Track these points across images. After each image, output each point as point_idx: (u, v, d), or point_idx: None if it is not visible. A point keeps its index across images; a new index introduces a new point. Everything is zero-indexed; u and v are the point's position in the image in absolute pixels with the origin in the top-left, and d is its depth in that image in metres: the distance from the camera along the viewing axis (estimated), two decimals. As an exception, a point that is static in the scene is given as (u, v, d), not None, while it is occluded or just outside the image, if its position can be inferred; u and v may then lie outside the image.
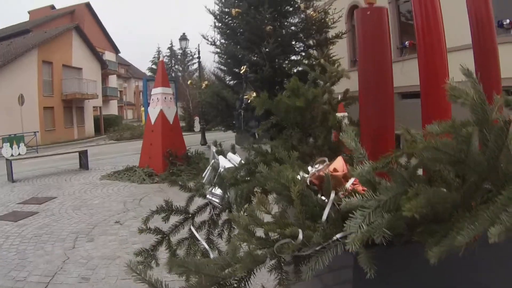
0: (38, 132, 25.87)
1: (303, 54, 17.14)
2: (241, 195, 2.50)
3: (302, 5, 16.15)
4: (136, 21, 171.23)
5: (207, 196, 3.03)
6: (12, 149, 21.53)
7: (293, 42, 16.83)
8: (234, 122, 15.05)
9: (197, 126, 35.17)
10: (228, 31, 17.34)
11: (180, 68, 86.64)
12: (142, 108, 47.53)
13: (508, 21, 12.86)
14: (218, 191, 2.93)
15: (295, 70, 16.11)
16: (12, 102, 27.29)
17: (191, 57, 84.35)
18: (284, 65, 16.56)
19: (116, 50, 58.67)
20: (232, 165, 2.95)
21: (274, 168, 2.08)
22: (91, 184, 11.66)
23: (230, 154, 3.19)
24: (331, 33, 16.97)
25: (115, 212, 8.09)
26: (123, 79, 71.42)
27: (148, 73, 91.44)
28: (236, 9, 15.25)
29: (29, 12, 52.26)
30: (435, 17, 2.44)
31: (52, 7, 52.96)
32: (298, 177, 2.01)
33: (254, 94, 13.25)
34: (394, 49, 17.86)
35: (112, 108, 55.23)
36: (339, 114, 10.15)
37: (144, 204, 8.77)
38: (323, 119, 3.19)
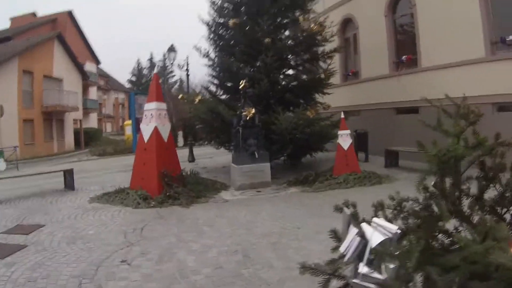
0: (17, 147, 24.81)
1: (300, 68, 16.49)
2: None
3: (301, 18, 15.59)
4: (114, 32, 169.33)
5: (353, 279, 2.28)
6: (-9, 165, 20.58)
7: (290, 56, 16.21)
8: (230, 139, 14.37)
9: (180, 141, 34.37)
10: (221, 43, 16.67)
11: (160, 81, 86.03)
12: (127, 122, 46.69)
13: (511, 37, 12.43)
14: (365, 269, 2.19)
15: (291, 84, 15.49)
16: (-10, 113, 26.28)
17: (170, 70, 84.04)
18: (280, 79, 15.97)
19: (96, 61, 57.80)
20: (385, 236, 2.22)
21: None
22: (80, 208, 10.61)
23: (377, 220, 2.43)
24: (328, 47, 16.43)
25: (116, 246, 7.05)
26: (102, 91, 70.38)
27: (127, 85, 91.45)
28: (234, 20, 14.60)
29: (11, 19, 51.12)
30: None
31: (34, 14, 51.98)
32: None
33: (253, 111, 12.64)
34: (390, 64, 17.48)
35: (92, 121, 54.31)
36: (341, 132, 9.57)
37: (148, 235, 7.73)
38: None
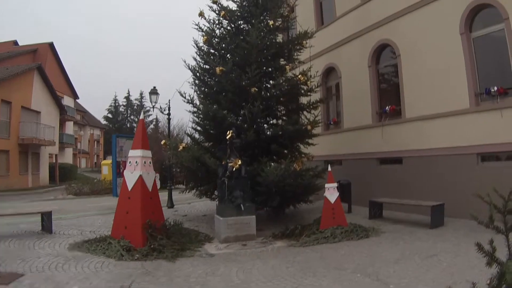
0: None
1: (285, 118, 16.48)
2: None
3: (287, 67, 15.63)
4: (91, 67, 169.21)
5: None
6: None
7: (276, 106, 16.19)
8: (214, 189, 14.17)
9: (157, 183, 33.79)
10: (206, 90, 16.53)
11: (136, 119, 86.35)
12: (104, 161, 46.22)
13: (495, 88, 12.79)
14: None
15: (277, 134, 15.32)
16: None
17: (147, 109, 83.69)
18: (265, 129, 16.00)
19: (75, 95, 57.43)
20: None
21: None
22: (60, 256, 10.14)
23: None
24: (313, 97, 16.57)
25: (107, 309, 6.67)
26: (78, 126, 69.88)
27: (104, 122, 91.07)
28: (221, 68, 14.51)
29: (-10, 46, 50.86)
30: None
31: (15, 43, 51.64)
32: None
33: (240, 162, 12.52)
34: (373, 114, 17.56)
35: (67, 156, 53.81)
36: (328, 185, 9.44)
37: (138, 296, 7.38)
38: None
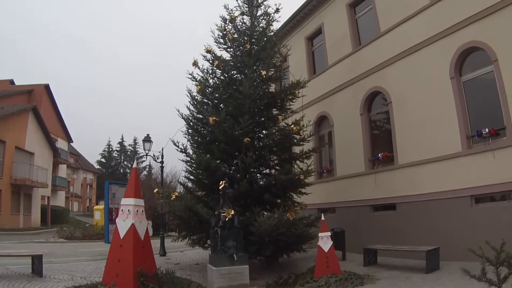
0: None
1: (278, 168, 16.53)
2: None
3: (280, 117, 15.78)
4: (85, 111, 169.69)
5: None
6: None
7: (268, 155, 16.25)
8: (207, 238, 14.10)
9: (150, 231, 33.62)
10: (199, 139, 16.57)
11: (129, 165, 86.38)
12: (96, 206, 46.03)
13: (487, 130, 12.98)
14: None
15: (269, 184, 15.33)
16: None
17: (141, 155, 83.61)
18: (258, 179, 16.04)
19: (69, 139, 57.49)
20: None
21: None
22: None
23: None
24: (305, 146, 16.70)
25: None
26: (71, 169, 69.70)
27: (97, 166, 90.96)
28: (214, 118, 14.62)
29: (-14, 82, 51.00)
30: None
31: (11, 82, 51.82)
32: None
33: (233, 212, 12.51)
34: (365, 161, 17.62)
35: (60, 199, 53.47)
36: (322, 234, 9.41)
37: None
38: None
